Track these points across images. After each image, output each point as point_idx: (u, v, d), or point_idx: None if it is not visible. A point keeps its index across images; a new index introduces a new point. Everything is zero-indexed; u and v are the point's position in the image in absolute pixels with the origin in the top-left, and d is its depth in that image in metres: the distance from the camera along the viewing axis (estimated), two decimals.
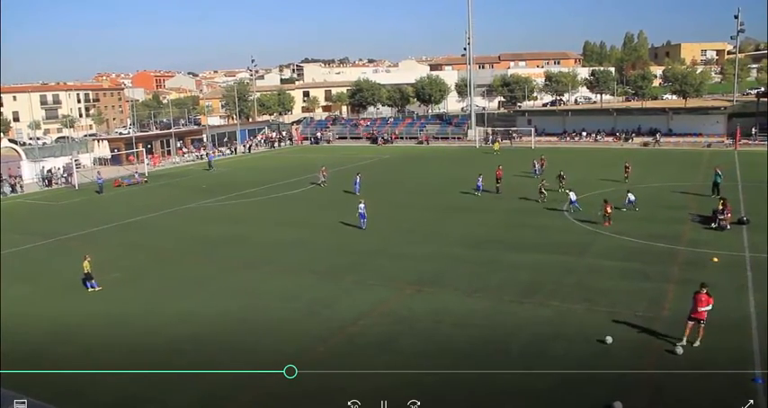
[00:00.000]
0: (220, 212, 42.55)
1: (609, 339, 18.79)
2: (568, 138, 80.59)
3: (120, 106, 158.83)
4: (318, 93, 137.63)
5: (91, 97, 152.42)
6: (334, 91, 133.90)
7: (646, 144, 73.08)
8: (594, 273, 25.93)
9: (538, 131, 79.93)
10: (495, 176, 44.70)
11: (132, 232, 38.15)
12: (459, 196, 44.01)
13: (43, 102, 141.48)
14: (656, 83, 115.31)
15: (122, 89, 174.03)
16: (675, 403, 15.15)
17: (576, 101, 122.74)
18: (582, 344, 19.02)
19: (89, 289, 26.27)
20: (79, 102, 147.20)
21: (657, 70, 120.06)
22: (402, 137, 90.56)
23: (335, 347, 19.77)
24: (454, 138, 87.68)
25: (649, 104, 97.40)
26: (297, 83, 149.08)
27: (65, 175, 63.50)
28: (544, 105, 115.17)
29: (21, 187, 59.17)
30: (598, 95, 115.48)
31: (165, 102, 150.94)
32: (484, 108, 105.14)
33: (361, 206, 34.60)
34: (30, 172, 64.33)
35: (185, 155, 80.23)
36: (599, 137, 79.04)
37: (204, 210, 43.89)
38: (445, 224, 36.11)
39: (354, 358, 18.72)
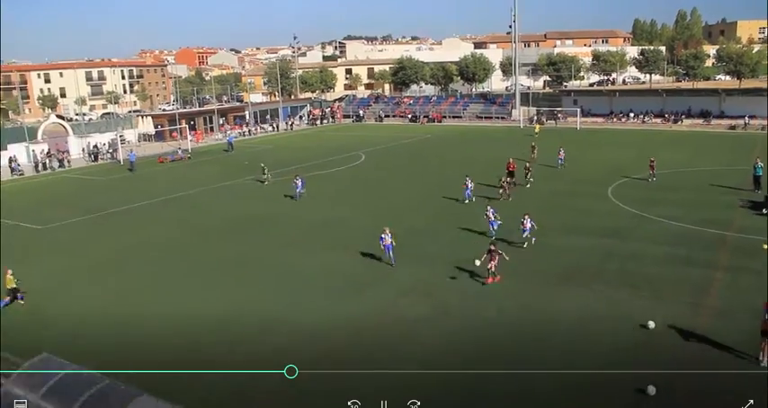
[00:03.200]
0: (261, 189, 42.75)
1: (651, 324, 18.46)
2: (615, 119, 78.97)
3: (163, 83, 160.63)
4: (361, 71, 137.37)
5: (135, 74, 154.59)
6: (376, 68, 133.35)
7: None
8: (638, 258, 25.39)
9: (584, 112, 78.46)
10: (508, 170, 40.05)
11: (174, 208, 38.61)
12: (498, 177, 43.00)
13: (89, 78, 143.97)
14: (709, 63, 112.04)
15: (165, 66, 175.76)
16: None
17: (623, 81, 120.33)
18: (623, 329, 18.70)
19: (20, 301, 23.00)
20: (123, 78, 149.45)
21: (711, 49, 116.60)
22: (445, 116, 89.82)
23: (376, 324, 19.87)
24: (498, 118, 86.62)
25: (701, 85, 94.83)
26: (339, 60, 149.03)
27: (110, 151, 64.55)
28: (591, 85, 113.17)
29: (68, 162, 60.37)
30: (647, 75, 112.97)
31: (207, 78, 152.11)
32: (529, 87, 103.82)
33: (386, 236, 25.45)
34: (76, 148, 65.63)
35: (228, 132, 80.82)
36: (647, 119, 77.27)
37: (245, 187, 44.14)
38: (485, 205, 35.69)
39: (393, 338, 18.81)
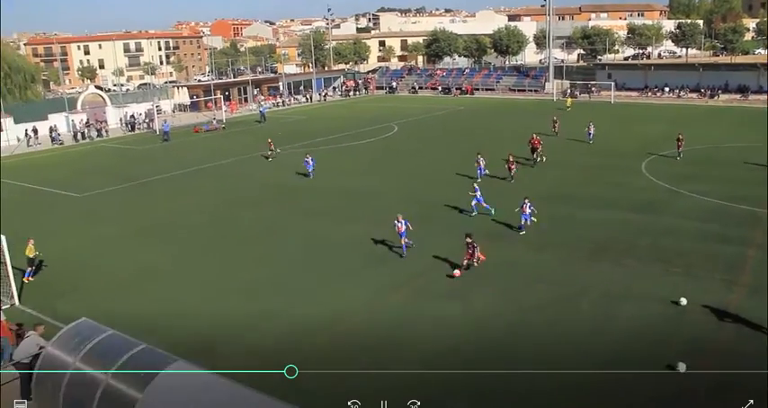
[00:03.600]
0: (295, 159, 43.06)
1: (683, 300, 18.32)
2: (650, 94, 77.56)
3: (198, 54, 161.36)
4: (394, 43, 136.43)
5: (171, 45, 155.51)
6: (410, 41, 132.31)
7: None
8: (671, 233, 25.15)
9: (618, 86, 77.13)
10: (531, 146, 38.61)
11: (209, 177, 39.10)
12: (543, 147, 42.27)
13: (126, 49, 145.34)
14: (749, 37, 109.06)
15: (201, 37, 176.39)
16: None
17: (659, 55, 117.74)
18: (654, 305, 18.61)
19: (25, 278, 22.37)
20: (160, 49, 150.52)
21: (751, 23, 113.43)
22: (478, 89, 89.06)
23: (405, 297, 20.12)
24: (531, 91, 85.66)
25: (739, 59, 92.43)
26: (373, 32, 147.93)
27: (146, 121, 65.35)
28: (625, 59, 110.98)
29: (106, 132, 61.32)
30: (683, 49, 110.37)
31: (242, 50, 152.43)
32: (562, 60, 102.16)
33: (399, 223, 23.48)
34: (114, 118, 66.52)
35: (261, 103, 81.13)
36: (682, 93, 75.71)
37: (279, 157, 44.52)
38: (520, 176, 35.54)
39: (423, 302, 19.04)
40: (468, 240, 21.29)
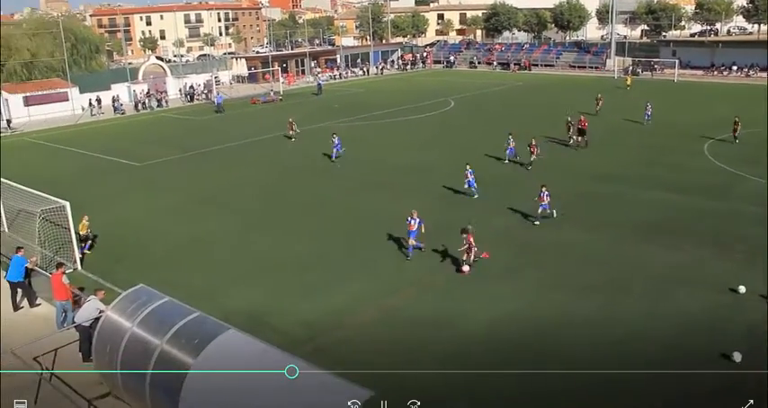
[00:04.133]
0: (350, 133, 43.10)
1: (742, 288, 17.75)
2: (716, 72, 74.79)
3: (257, 25, 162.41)
4: (453, 16, 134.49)
5: (230, 16, 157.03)
6: (469, 14, 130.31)
7: None
8: (733, 218, 24.36)
9: (682, 64, 74.60)
10: (579, 127, 36.75)
11: (265, 149, 39.50)
12: (597, 127, 40.88)
13: (187, 21, 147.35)
14: None
15: (260, 8, 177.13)
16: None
17: (728, 31, 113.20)
18: (710, 292, 18.10)
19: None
20: (219, 21, 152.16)
21: None
22: (537, 65, 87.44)
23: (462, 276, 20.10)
24: (591, 68, 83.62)
25: None
26: (431, 5, 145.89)
27: (205, 91, 66.28)
28: (692, 36, 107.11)
29: (166, 102, 62.49)
30: (755, 26, 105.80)
31: (300, 21, 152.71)
32: (625, 36, 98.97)
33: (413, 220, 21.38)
34: (173, 88, 67.67)
35: (318, 75, 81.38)
36: (751, 73, 72.75)
37: (335, 130, 44.53)
38: (572, 156, 34.89)
39: (476, 283, 18.99)
40: (464, 235, 19.73)
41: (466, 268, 19.83)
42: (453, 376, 14.28)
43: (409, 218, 21.00)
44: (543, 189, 23.63)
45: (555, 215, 24.05)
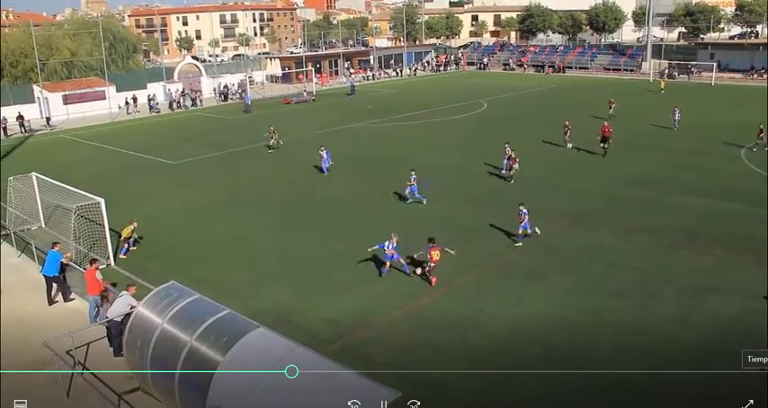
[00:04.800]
0: (383, 133, 43.12)
1: None
2: (755, 76, 73.25)
3: (292, 26, 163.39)
4: (487, 18, 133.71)
5: (265, 17, 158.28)
6: (503, 16, 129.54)
7: None
8: None
9: (720, 67, 73.15)
10: (602, 134, 34.99)
11: (297, 149, 39.63)
12: (625, 131, 40.60)
13: (222, 21, 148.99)
14: None
15: (295, 9, 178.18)
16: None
17: None
18: (743, 299, 17.72)
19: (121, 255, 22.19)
20: (254, 21, 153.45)
21: None
22: (571, 67, 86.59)
23: (484, 275, 20.01)
24: (627, 70, 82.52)
25: None
26: (466, 6, 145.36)
27: (239, 91, 66.86)
28: (731, 38, 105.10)
29: (200, 101, 63.16)
30: None
31: (334, 22, 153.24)
32: (662, 39, 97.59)
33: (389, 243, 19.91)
34: (208, 88, 68.40)
35: (352, 76, 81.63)
36: None
37: (368, 130, 44.70)
38: (606, 160, 34.45)
39: (502, 283, 18.90)
40: (430, 245, 18.84)
41: (434, 279, 19.03)
42: (480, 377, 14.24)
43: (387, 242, 19.54)
44: (521, 207, 22.06)
45: (538, 232, 22.29)
